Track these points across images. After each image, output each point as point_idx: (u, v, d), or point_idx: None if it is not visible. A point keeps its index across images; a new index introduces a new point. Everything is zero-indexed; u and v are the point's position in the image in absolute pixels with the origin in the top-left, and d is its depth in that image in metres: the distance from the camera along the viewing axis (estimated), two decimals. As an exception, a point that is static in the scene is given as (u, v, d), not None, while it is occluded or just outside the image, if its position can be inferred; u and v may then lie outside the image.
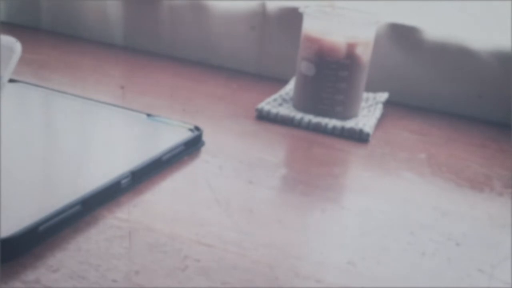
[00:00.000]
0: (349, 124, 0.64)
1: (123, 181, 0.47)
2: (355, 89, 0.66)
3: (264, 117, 0.66)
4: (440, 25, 0.73)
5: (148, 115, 0.60)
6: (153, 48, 0.88)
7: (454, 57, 0.73)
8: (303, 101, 0.67)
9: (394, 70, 0.76)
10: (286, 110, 0.67)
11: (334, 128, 0.64)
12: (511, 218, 0.50)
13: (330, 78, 0.64)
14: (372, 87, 0.73)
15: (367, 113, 0.68)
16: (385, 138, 0.65)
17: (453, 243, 0.45)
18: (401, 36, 0.74)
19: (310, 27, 0.65)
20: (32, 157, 0.51)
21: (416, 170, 0.57)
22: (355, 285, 0.39)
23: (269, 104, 0.68)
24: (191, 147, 0.56)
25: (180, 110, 0.67)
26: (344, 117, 0.66)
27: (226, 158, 0.56)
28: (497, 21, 0.70)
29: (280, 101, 0.69)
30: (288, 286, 0.38)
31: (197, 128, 0.58)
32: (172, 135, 0.56)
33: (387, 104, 0.72)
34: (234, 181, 0.52)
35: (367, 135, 0.63)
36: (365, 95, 0.71)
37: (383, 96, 0.72)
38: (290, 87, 0.73)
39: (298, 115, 0.65)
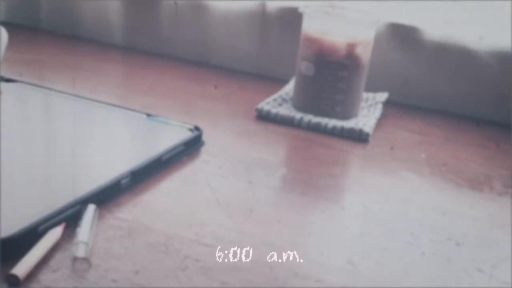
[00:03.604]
0: (349, 124, 0.64)
1: (123, 181, 0.47)
2: (355, 89, 0.66)
3: (264, 117, 0.66)
4: (440, 25, 0.73)
5: (148, 115, 0.60)
6: (153, 48, 0.88)
7: (454, 57, 0.73)
8: (303, 101, 0.67)
9: (394, 70, 0.76)
10: (286, 110, 0.67)
11: (334, 128, 0.64)
12: (511, 218, 0.50)
13: (330, 78, 0.64)
14: (372, 87, 0.73)
15: (367, 113, 0.68)
16: (385, 138, 0.64)
17: (453, 243, 0.45)
18: (401, 36, 0.74)
19: (310, 27, 0.65)
20: (32, 157, 0.51)
21: (416, 170, 0.57)
22: (355, 285, 0.39)
23: (269, 104, 0.68)
24: (191, 147, 0.56)
25: (180, 110, 0.67)
26: (344, 117, 0.66)
27: (226, 158, 0.56)
28: (497, 21, 0.70)
29: (280, 101, 0.69)
30: (288, 286, 0.38)
31: (197, 128, 0.58)
32: (172, 135, 0.56)
33: (387, 104, 0.72)
34: (234, 181, 0.52)
35: (367, 135, 0.63)
36: (365, 95, 0.71)
37: (383, 96, 0.72)
38: (290, 87, 0.73)
39: (298, 115, 0.65)
